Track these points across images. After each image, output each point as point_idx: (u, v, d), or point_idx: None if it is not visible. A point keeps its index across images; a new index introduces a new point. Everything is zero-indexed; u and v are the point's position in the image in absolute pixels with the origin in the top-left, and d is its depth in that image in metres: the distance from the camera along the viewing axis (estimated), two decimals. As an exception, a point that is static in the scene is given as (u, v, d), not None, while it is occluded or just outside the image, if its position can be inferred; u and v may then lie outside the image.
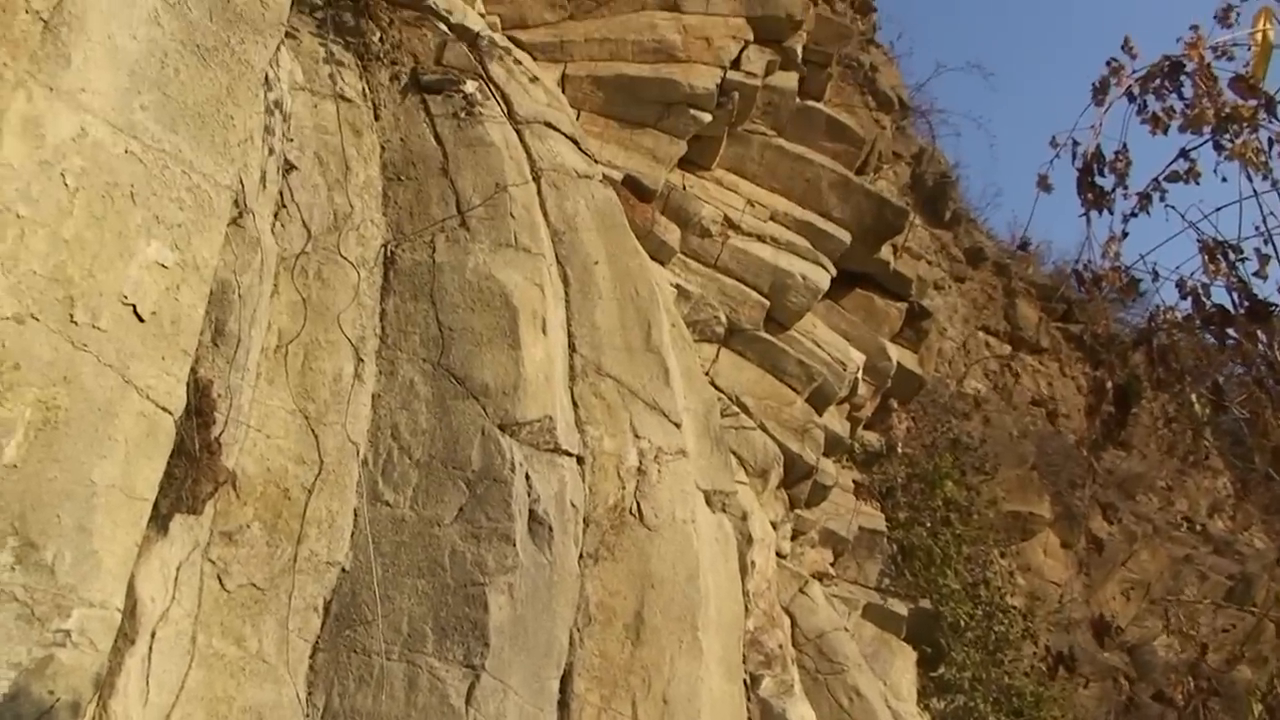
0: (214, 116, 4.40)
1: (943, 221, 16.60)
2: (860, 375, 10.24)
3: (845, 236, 10.08)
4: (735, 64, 9.73)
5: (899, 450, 12.24)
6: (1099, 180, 3.03)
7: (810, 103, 10.88)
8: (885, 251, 10.74)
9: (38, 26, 3.62)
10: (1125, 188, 3.02)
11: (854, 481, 11.19)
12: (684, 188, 9.43)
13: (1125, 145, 3.02)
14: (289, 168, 5.81)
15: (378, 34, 6.86)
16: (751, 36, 10.01)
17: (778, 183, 10.22)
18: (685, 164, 9.57)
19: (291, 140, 5.92)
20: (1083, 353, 16.93)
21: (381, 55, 6.79)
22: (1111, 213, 3.04)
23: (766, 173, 10.23)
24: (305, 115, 6.12)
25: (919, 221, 14.53)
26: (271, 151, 5.61)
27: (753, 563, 7.69)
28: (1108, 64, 2.98)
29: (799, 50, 10.57)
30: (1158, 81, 2.88)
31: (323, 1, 6.64)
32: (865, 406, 10.99)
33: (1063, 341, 17.26)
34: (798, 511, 9.72)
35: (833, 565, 10.50)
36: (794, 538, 9.77)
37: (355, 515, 5.38)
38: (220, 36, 4.53)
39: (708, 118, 9.34)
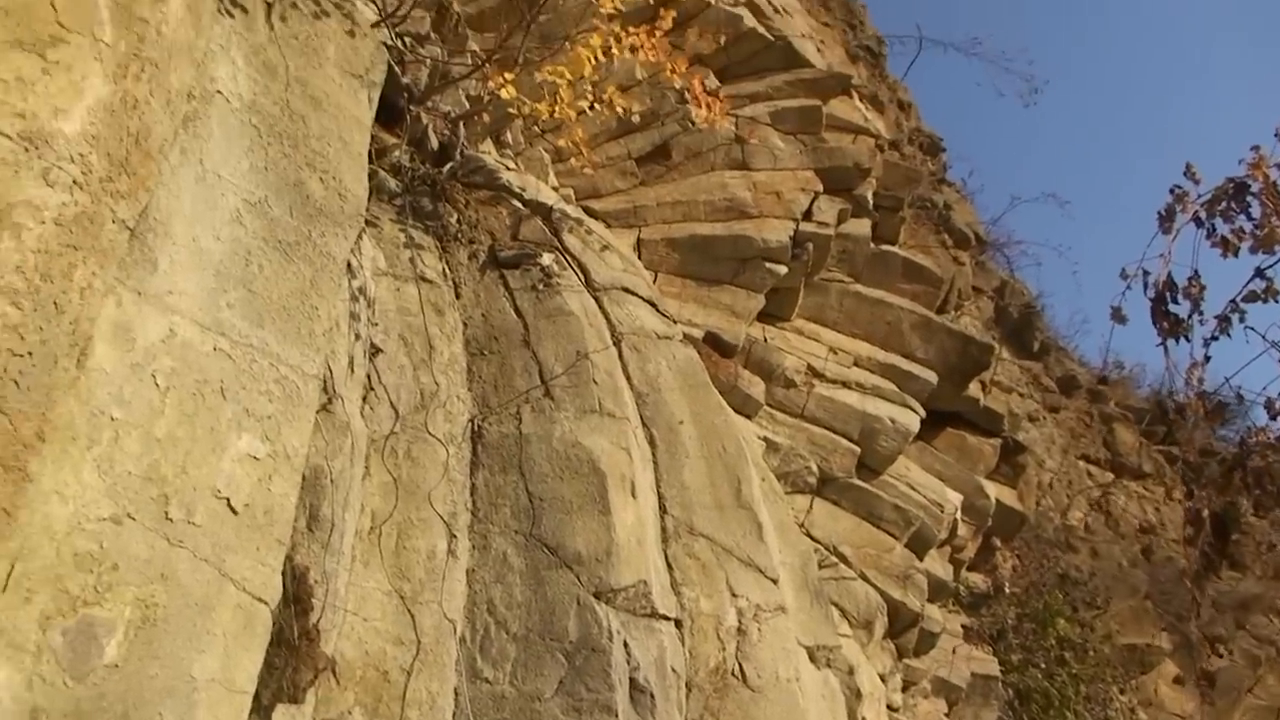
0: (299, 308, 4.54)
1: (1031, 352, 16.43)
2: (959, 516, 10.03)
3: (931, 377, 10.00)
4: (807, 215, 9.86)
5: (1006, 590, 11.90)
6: (1173, 308, 2.98)
7: (885, 247, 10.95)
8: (974, 388, 10.62)
9: (124, 235, 3.78)
10: (1201, 313, 2.97)
11: (962, 626, 10.86)
12: (765, 340, 9.47)
13: (1197, 271, 2.97)
14: (375, 351, 5.94)
15: (455, 215, 7.07)
16: (821, 187, 10.16)
17: (859, 328, 10.22)
18: (765, 317, 9.62)
19: (376, 324, 6.07)
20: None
21: (459, 235, 6.99)
22: (1189, 339, 2.98)
23: (847, 319, 10.25)
24: (389, 299, 6.28)
25: (1006, 355, 14.39)
26: (358, 337, 5.74)
27: (863, 718, 7.44)
28: (1171, 191, 2.96)
29: (870, 196, 10.68)
30: (1224, 204, 2.85)
31: (401, 188, 6.88)
32: (967, 548, 10.74)
33: (1165, 465, 16.80)
34: (906, 661, 9.44)
35: (947, 715, 10.13)
36: (905, 689, 9.46)
37: (455, 694, 5.32)
38: (301, 231, 4.71)
39: (783, 270, 9.43)
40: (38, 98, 3.50)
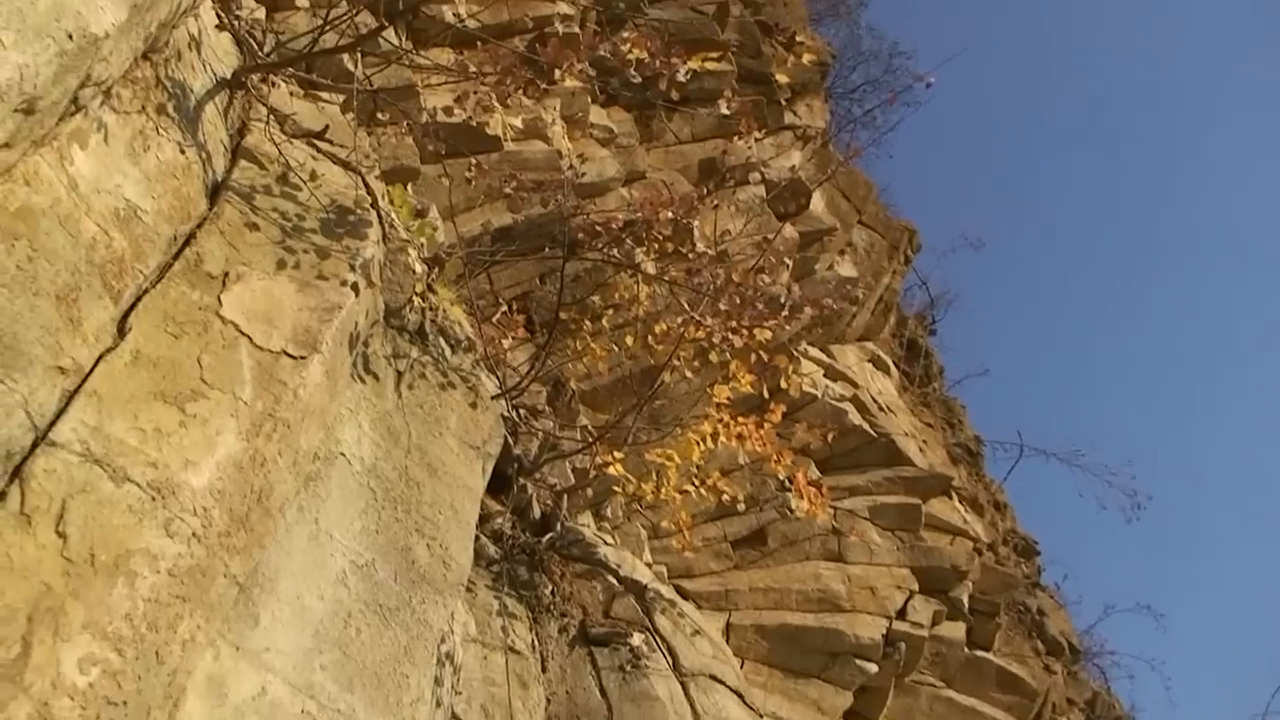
0: (390, 676, 4.47)
1: (1124, 764, 15.49)
2: None
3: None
4: (901, 614, 9.68)
5: None
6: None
7: (979, 652, 10.64)
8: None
9: (233, 590, 3.80)
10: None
11: None
12: (850, 742, 9.08)
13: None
14: (454, 720, 5.80)
15: (550, 587, 7.06)
16: (917, 586, 10.02)
17: (950, 738, 9.79)
18: (851, 716, 9.27)
19: (460, 692, 5.94)
20: None
21: (552, 607, 6.95)
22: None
23: (937, 726, 9.84)
24: (474, 666, 6.18)
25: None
26: (439, 704, 5.61)
27: None
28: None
29: (966, 599, 10.48)
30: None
31: (499, 555, 6.92)
32: None
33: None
34: None
35: None
36: None
37: None
38: (403, 597, 4.71)
39: (874, 668, 9.18)
40: (171, 449, 3.63)
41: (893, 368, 13.68)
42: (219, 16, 5.27)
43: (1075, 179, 55.90)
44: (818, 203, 11.87)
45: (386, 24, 5.06)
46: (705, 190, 7.74)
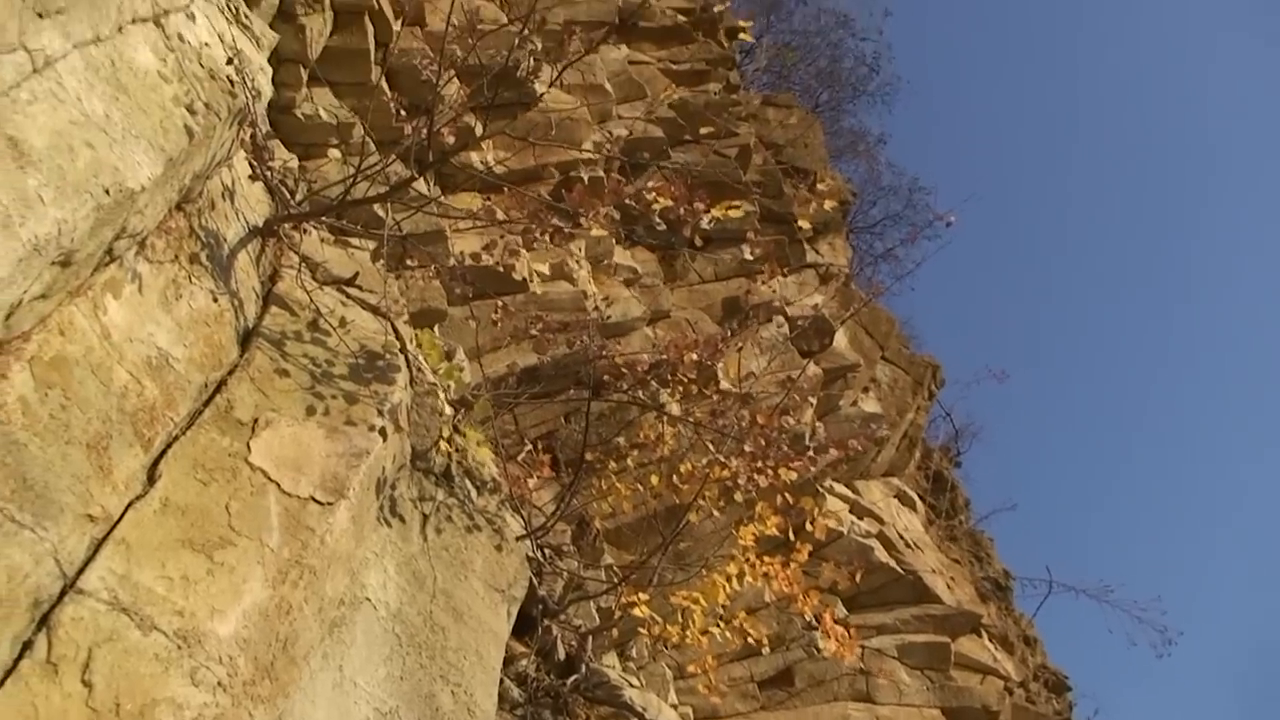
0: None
1: None
2: None
3: None
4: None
5: None
6: None
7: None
8: None
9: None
10: None
11: None
12: None
13: None
14: None
15: (575, 731, 6.94)
16: (948, 731, 9.80)
17: None
18: None
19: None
20: None
21: (577, 751, 6.83)
22: None
23: None
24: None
25: None
26: None
27: None
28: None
29: (1002, 742, 10.25)
30: None
31: (524, 698, 6.81)
32: None
33: None
34: None
35: None
36: None
37: None
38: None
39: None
40: (198, 597, 3.63)
41: (918, 502, 13.57)
42: (252, 166, 5.42)
43: (1098, 309, 56.16)
44: (841, 339, 11.93)
45: (417, 175, 5.18)
46: (729, 331, 7.80)
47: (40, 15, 3.42)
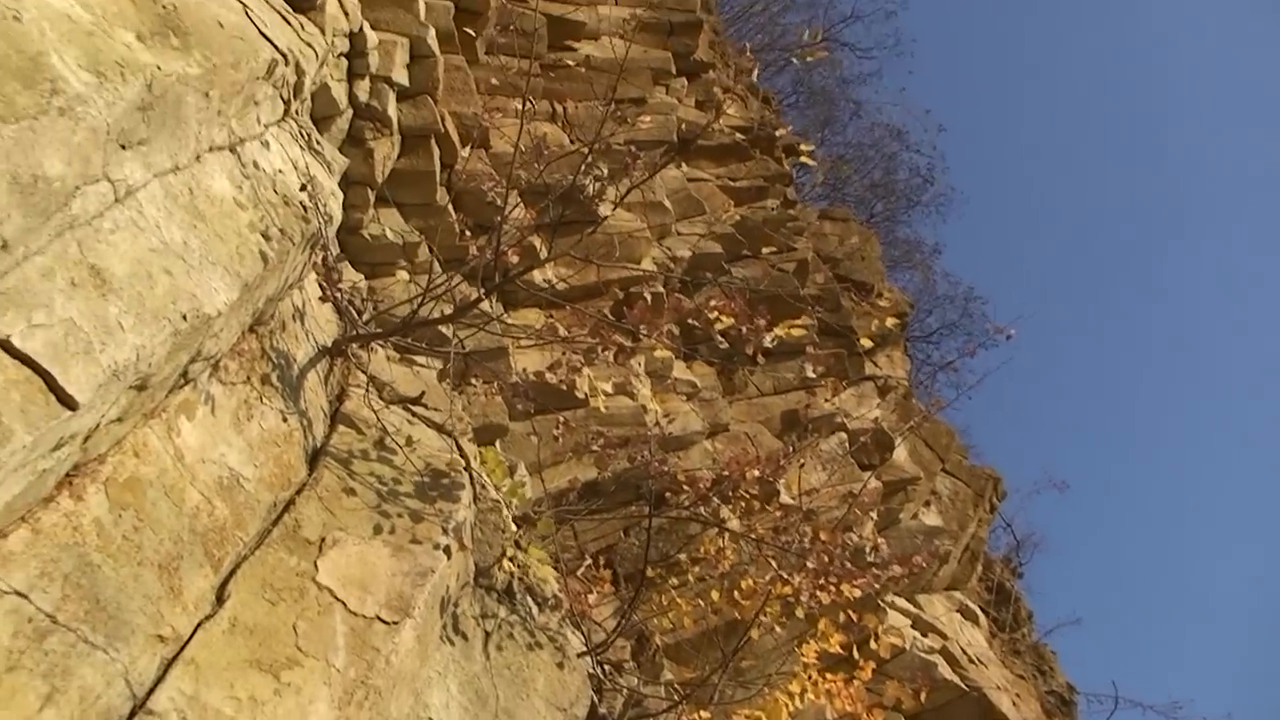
0: None
1: None
2: None
3: None
4: None
5: None
6: None
7: None
8: None
9: None
10: None
11: None
12: None
13: None
14: None
15: None
16: None
17: None
18: None
19: None
20: None
21: None
22: None
23: None
24: None
25: None
26: None
27: None
28: None
29: None
30: None
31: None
32: None
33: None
34: None
35: None
36: None
37: None
38: None
39: None
40: (265, 719, 3.64)
41: (981, 616, 13.33)
42: (322, 288, 5.55)
43: (1160, 417, 55.33)
44: (901, 452, 11.87)
45: (483, 296, 5.29)
46: (790, 447, 7.80)
47: (123, 146, 3.53)
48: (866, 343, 11.26)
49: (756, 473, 6.54)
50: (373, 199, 7.13)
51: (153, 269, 3.62)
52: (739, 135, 11.93)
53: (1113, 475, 51.86)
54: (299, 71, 5.33)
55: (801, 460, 8.15)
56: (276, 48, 4.85)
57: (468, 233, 6.15)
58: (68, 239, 3.28)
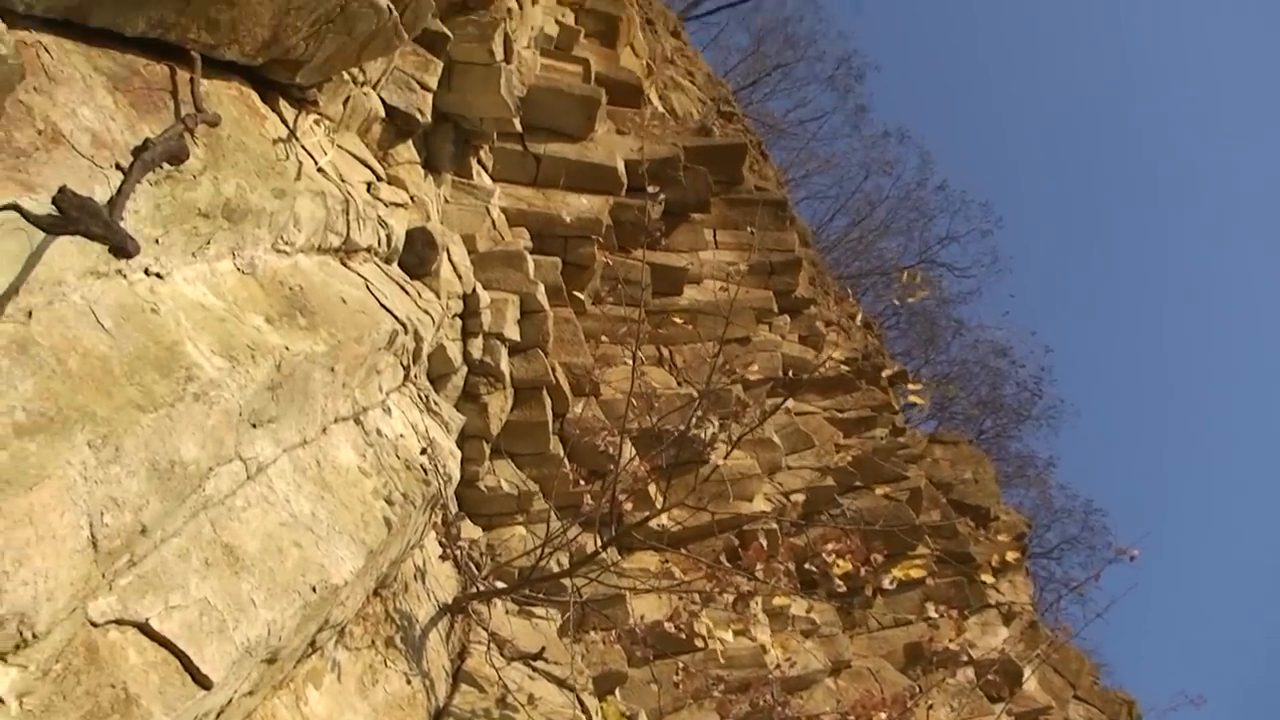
0: None
1: None
2: None
3: None
4: None
5: None
6: None
7: None
8: None
9: None
10: None
11: None
12: None
13: None
14: None
15: None
16: None
17: None
18: None
19: None
20: None
21: None
22: None
23: None
24: None
25: None
26: None
27: None
28: None
29: None
30: None
31: None
32: None
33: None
34: None
35: None
36: None
37: None
38: None
39: None
40: None
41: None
42: (442, 545, 5.64)
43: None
44: (1030, 682, 11.39)
45: (601, 549, 5.33)
46: (916, 686, 7.54)
47: (254, 425, 3.68)
48: (989, 578, 10.98)
49: (884, 716, 6.33)
50: (488, 451, 7.29)
51: (283, 543, 3.71)
52: (844, 368, 12.04)
53: (1247, 682, 48.96)
54: (418, 338, 5.56)
55: (929, 700, 7.86)
56: (396, 318, 5.08)
57: (582, 481, 6.24)
58: (202, 519, 3.38)
